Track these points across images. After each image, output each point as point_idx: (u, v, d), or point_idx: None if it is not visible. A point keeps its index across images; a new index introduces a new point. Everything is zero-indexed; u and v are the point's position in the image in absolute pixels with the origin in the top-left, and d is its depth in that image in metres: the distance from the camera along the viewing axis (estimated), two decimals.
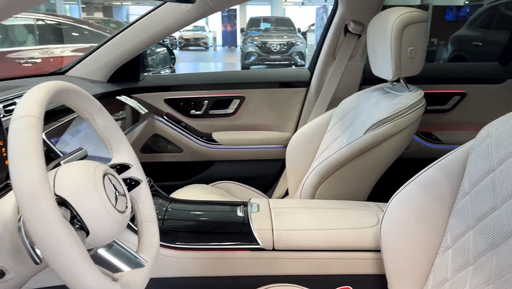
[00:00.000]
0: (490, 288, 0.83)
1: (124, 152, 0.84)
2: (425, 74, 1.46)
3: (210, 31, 19.91)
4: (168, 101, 2.03)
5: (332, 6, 1.90)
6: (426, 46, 1.42)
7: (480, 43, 5.28)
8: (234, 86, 2.03)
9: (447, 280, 0.93)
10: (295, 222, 1.16)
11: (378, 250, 1.11)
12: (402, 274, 1.00)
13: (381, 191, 1.51)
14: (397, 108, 1.36)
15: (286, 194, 2.00)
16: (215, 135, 2.07)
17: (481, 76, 1.94)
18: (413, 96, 1.40)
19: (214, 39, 19.65)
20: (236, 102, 2.05)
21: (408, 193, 1.00)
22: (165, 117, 2.02)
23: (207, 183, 1.92)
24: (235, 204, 1.27)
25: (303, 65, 10.60)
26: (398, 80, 1.50)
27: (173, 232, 1.14)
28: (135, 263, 0.71)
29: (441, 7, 7.60)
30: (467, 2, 8.34)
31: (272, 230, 1.12)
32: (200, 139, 2.05)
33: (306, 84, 1.98)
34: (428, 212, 0.97)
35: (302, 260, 1.12)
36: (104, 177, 0.67)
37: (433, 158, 2.14)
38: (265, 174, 2.08)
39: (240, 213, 1.21)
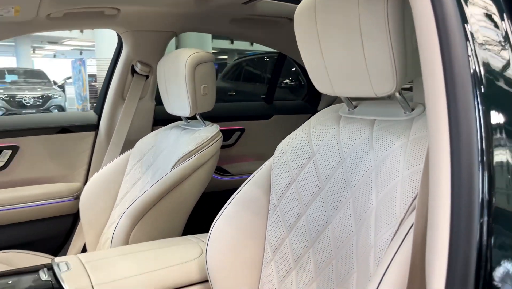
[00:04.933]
0: (314, 285, 0.93)
1: None
2: (210, 113, 1.57)
3: None
4: None
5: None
6: (215, 83, 1.55)
7: (234, 93, 6.15)
8: (4, 134, 1.70)
9: None
10: (116, 272, 1.04)
11: (206, 281, 1.10)
12: None
13: (188, 226, 1.51)
14: (199, 141, 1.42)
15: (83, 251, 1.76)
16: None
17: (254, 113, 2.23)
18: (211, 130, 1.49)
19: None
20: (6, 154, 1.71)
21: (229, 212, 1.03)
22: None
23: None
24: (33, 270, 1.04)
25: None
26: (193, 118, 1.58)
27: None
28: None
29: None
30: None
31: (92, 286, 0.97)
32: None
33: (94, 128, 1.84)
34: (249, 227, 1.03)
35: None
36: None
37: (227, 190, 2.29)
38: (54, 233, 1.79)
39: (45, 277, 1.00)
